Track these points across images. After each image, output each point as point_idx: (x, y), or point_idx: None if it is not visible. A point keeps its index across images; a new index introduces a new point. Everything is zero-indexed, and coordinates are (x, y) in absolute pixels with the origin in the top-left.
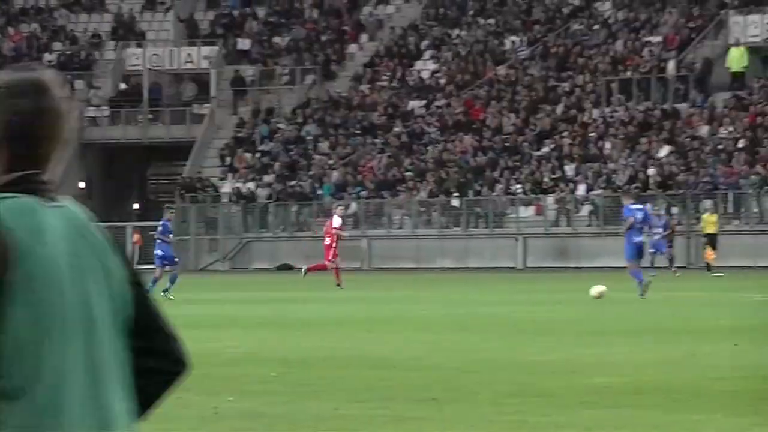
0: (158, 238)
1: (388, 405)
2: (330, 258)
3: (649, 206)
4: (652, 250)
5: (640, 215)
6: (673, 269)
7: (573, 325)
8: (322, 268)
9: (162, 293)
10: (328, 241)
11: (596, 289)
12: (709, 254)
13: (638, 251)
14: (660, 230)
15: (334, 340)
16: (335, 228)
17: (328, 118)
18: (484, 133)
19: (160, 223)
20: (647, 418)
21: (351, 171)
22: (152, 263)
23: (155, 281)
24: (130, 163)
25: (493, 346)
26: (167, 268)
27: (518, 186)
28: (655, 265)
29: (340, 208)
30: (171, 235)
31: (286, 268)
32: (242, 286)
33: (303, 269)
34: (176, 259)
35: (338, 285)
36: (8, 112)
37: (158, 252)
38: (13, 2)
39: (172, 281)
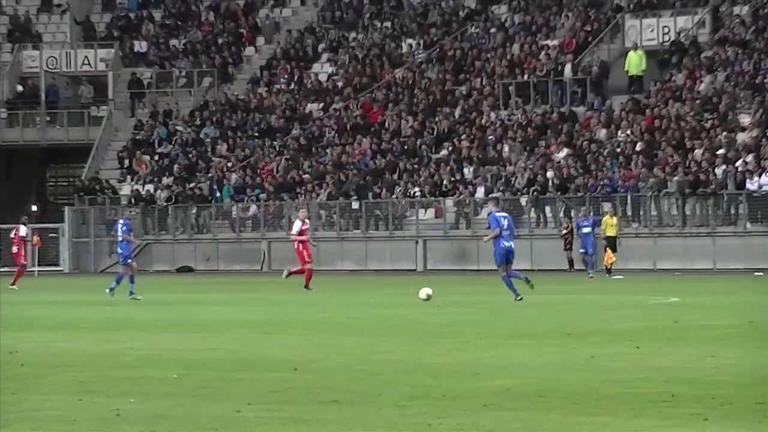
0: (123, 238)
1: (289, 407)
2: (306, 260)
3: (583, 210)
4: (582, 251)
5: (505, 222)
6: (590, 274)
7: (475, 328)
8: (301, 272)
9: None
10: (296, 246)
11: (424, 291)
12: (609, 257)
13: (506, 256)
14: (589, 230)
15: (234, 343)
16: (293, 234)
17: (226, 120)
18: (382, 135)
19: (122, 222)
20: (550, 421)
21: (250, 173)
22: (50, 265)
23: (120, 280)
24: (29, 165)
25: (395, 348)
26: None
27: (417, 189)
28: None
29: (301, 211)
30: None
31: (186, 270)
32: (142, 288)
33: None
34: (129, 260)
35: (307, 287)
36: None
37: (120, 251)
38: None
39: (118, 281)
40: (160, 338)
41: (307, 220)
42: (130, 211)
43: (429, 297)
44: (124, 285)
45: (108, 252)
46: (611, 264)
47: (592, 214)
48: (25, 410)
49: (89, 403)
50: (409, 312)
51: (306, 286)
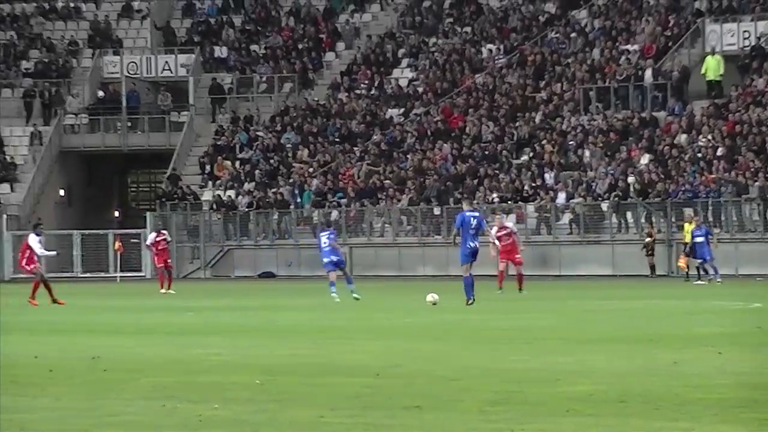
0: (332, 245)
1: (371, 413)
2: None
3: (695, 219)
4: (700, 260)
5: (474, 222)
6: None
7: (556, 333)
8: None
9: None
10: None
11: (431, 297)
12: (683, 262)
13: (472, 256)
14: (702, 239)
15: (317, 348)
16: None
17: (306, 126)
18: (463, 141)
19: (328, 232)
20: (632, 426)
21: (331, 179)
22: (132, 271)
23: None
24: (110, 170)
25: (476, 353)
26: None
27: (498, 194)
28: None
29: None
30: None
31: (268, 275)
32: (224, 294)
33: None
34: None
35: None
36: None
37: (332, 258)
38: None
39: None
40: (243, 343)
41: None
42: (216, 217)
43: (435, 303)
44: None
45: (190, 258)
46: (688, 269)
47: (703, 223)
48: (108, 415)
49: (172, 409)
50: (490, 317)
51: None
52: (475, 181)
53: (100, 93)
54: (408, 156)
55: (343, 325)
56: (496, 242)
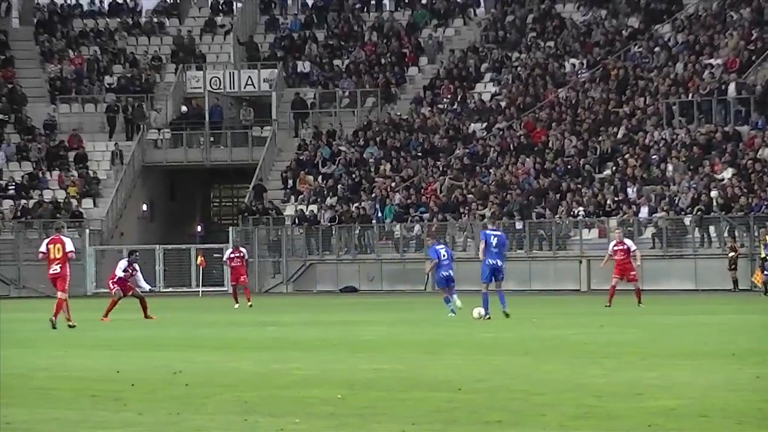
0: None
1: (453, 427)
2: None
3: None
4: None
5: (494, 240)
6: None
7: (637, 347)
8: None
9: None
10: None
11: (477, 311)
12: (758, 277)
13: (493, 273)
14: None
15: (398, 362)
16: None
17: (389, 140)
18: (546, 155)
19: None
20: None
21: (413, 193)
22: (215, 286)
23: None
24: (193, 185)
25: (557, 368)
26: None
27: (581, 208)
28: None
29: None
30: None
31: (350, 290)
32: (306, 309)
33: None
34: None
35: None
36: None
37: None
38: (73, 25)
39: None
40: (325, 358)
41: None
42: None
43: (480, 316)
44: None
45: (272, 272)
46: (764, 285)
47: None
48: (189, 430)
49: (253, 423)
50: (571, 332)
51: None
52: (558, 196)
53: (183, 108)
54: (490, 170)
55: (425, 339)
56: (612, 256)
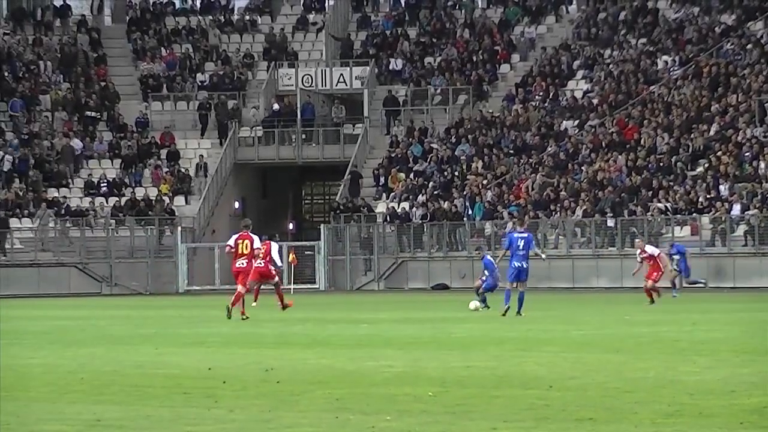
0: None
1: (544, 425)
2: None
3: None
4: None
5: (521, 243)
6: None
7: (730, 345)
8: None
9: None
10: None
11: (473, 304)
12: None
13: (518, 275)
14: None
15: (490, 360)
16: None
17: (481, 137)
18: (638, 152)
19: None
20: None
21: (505, 190)
22: (306, 283)
23: None
24: (285, 182)
25: (650, 365)
26: None
27: (673, 205)
28: None
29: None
30: None
31: (442, 287)
32: (398, 306)
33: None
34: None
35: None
36: None
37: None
38: (165, 23)
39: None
40: (416, 355)
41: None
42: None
43: (477, 308)
44: None
45: (363, 270)
46: None
47: None
48: (282, 427)
49: (345, 421)
50: (663, 329)
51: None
52: (650, 193)
53: (275, 105)
54: (582, 168)
55: (517, 336)
56: (639, 263)
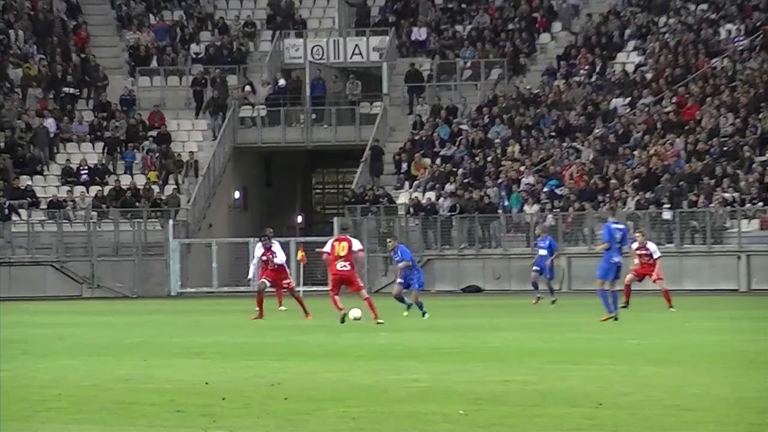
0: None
1: None
2: None
3: None
4: None
5: (618, 235)
6: None
7: None
8: None
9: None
10: None
11: (353, 313)
12: None
13: (615, 272)
14: None
15: (530, 373)
16: None
17: (518, 118)
18: (698, 135)
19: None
20: None
21: (545, 178)
22: (318, 285)
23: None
24: (292, 169)
25: (713, 379)
26: None
27: (739, 196)
28: None
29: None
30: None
31: (473, 290)
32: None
33: None
34: None
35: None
36: None
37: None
38: None
39: None
40: (444, 368)
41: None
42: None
43: (356, 318)
44: None
45: (383, 269)
46: None
47: None
48: None
49: None
50: (728, 338)
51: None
52: (712, 181)
53: (281, 81)
54: (634, 152)
55: (560, 347)
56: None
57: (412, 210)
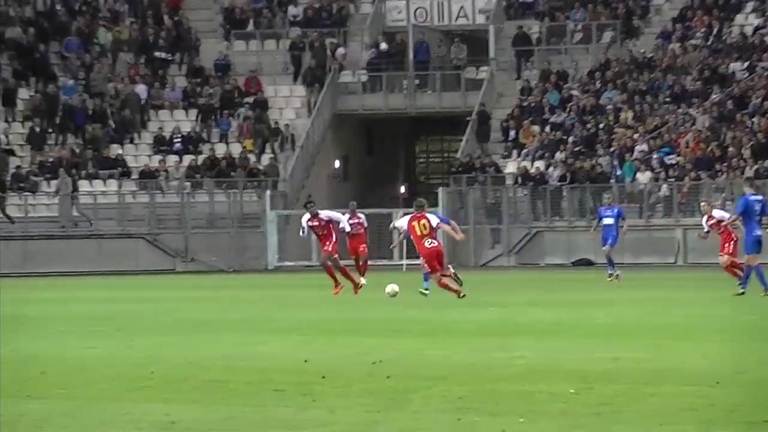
0: None
1: (708, 428)
2: None
3: None
4: None
5: (758, 207)
6: None
7: None
8: None
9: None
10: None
11: (391, 288)
12: None
13: (758, 244)
14: None
15: (643, 350)
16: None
17: (631, 83)
18: None
19: None
20: None
21: (660, 146)
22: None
23: None
24: (394, 137)
25: None
26: None
27: None
28: None
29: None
30: None
31: (584, 263)
32: (531, 285)
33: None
34: None
35: None
36: None
37: None
38: None
39: None
40: (554, 345)
41: None
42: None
43: (395, 294)
44: None
45: (491, 242)
46: None
47: None
48: (392, 431)
49: (469, 423)
50: None
51: None
52: None
53: (383, 45)
54: (753, 119)
55: (676, 322)
56: (706, 233)
57: (520, 180)
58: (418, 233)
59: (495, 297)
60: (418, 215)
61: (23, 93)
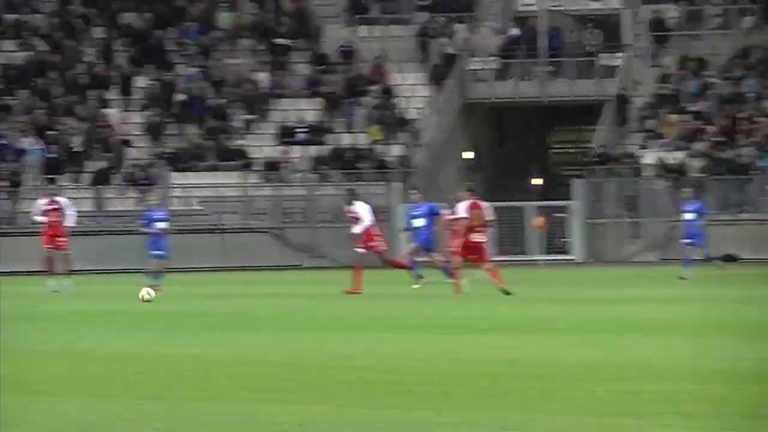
0: None
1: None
2: None
3: None
4: None
5: None
6: None
7: None
8: None
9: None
10: None
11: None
12: None
13: None
14: None
15: None
16: None
17: None
18: None
19: None
20: None
21: None
22: (559, 253)
23: None
24: (527, 127)
25: None
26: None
27: None
28: None
29: None
30: None
31: (729, 259)
32: (677, 282)
33: None
34: None
35: None
36: None
37: None
38: None
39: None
40: (699, 343)
41: None
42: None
43: (148, 299)
44: None
45: (630, 236)
46: None
47: None
48: None
49: (615, 426)
50: None
51: None
52: None
53: (514, 30)
54: None
55: None
56: None
57: (658, 171)
58: (475, 223)
59: (637, 293)
60: (475, 204)
61: (140, 81)
